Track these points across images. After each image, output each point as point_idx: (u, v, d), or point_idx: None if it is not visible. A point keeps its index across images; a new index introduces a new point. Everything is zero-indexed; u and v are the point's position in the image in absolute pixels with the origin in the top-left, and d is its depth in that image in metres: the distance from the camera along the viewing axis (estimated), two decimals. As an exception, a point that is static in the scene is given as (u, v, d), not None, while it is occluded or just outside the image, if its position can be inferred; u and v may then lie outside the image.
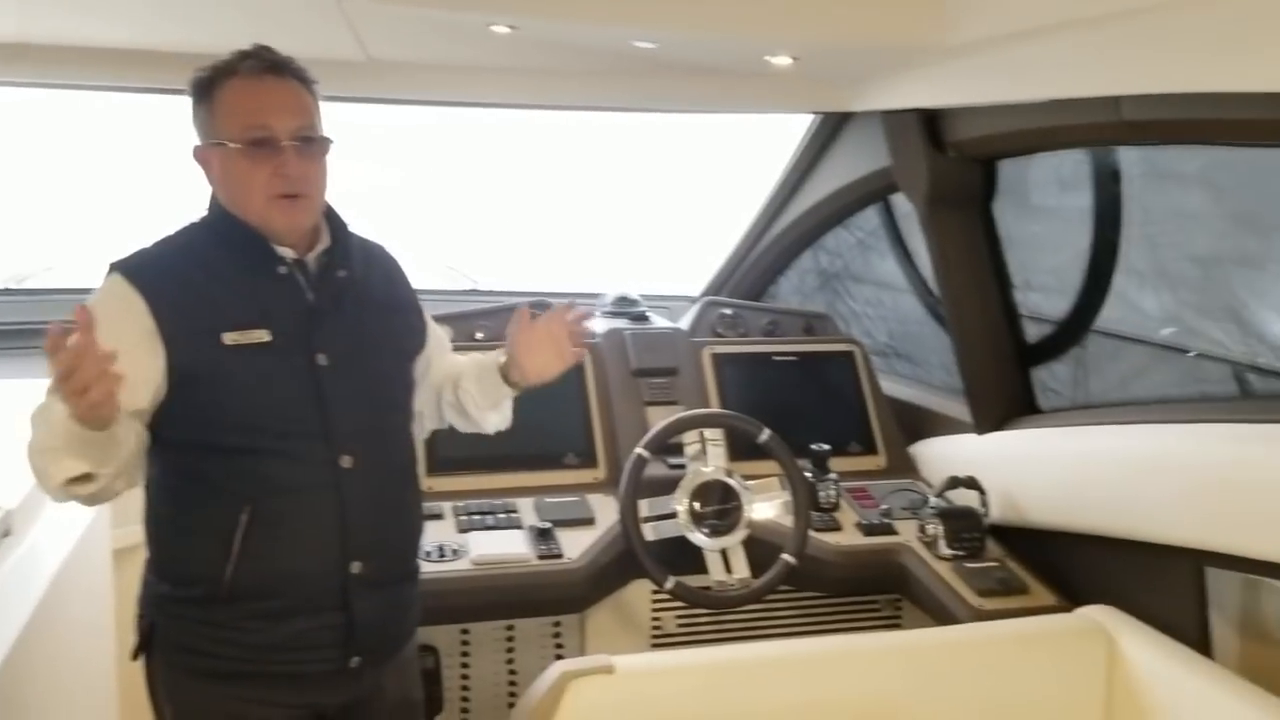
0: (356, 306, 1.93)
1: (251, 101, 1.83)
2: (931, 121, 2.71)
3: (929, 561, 2.67)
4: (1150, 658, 2.14)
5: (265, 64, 1.84)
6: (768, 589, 2.59)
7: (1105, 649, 2.20)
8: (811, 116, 3.25)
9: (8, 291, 3.98)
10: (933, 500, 2.78)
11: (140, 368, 1.76)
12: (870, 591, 2.85)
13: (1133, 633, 2.21)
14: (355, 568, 1.86)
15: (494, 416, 2.16)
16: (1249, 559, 2.06)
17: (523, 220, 5.30)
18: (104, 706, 2.72)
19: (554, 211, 5.32)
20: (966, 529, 2.69)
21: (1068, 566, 2.59)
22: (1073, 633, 2.27)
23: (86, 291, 3.81)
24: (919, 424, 3.26)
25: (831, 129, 3.25)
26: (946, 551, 2.68)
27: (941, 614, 2.56)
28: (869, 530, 2.79)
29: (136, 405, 1.77)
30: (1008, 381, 2.87)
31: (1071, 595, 2.52)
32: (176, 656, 1.89)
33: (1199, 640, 2.23)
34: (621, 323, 3.24)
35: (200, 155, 1.88)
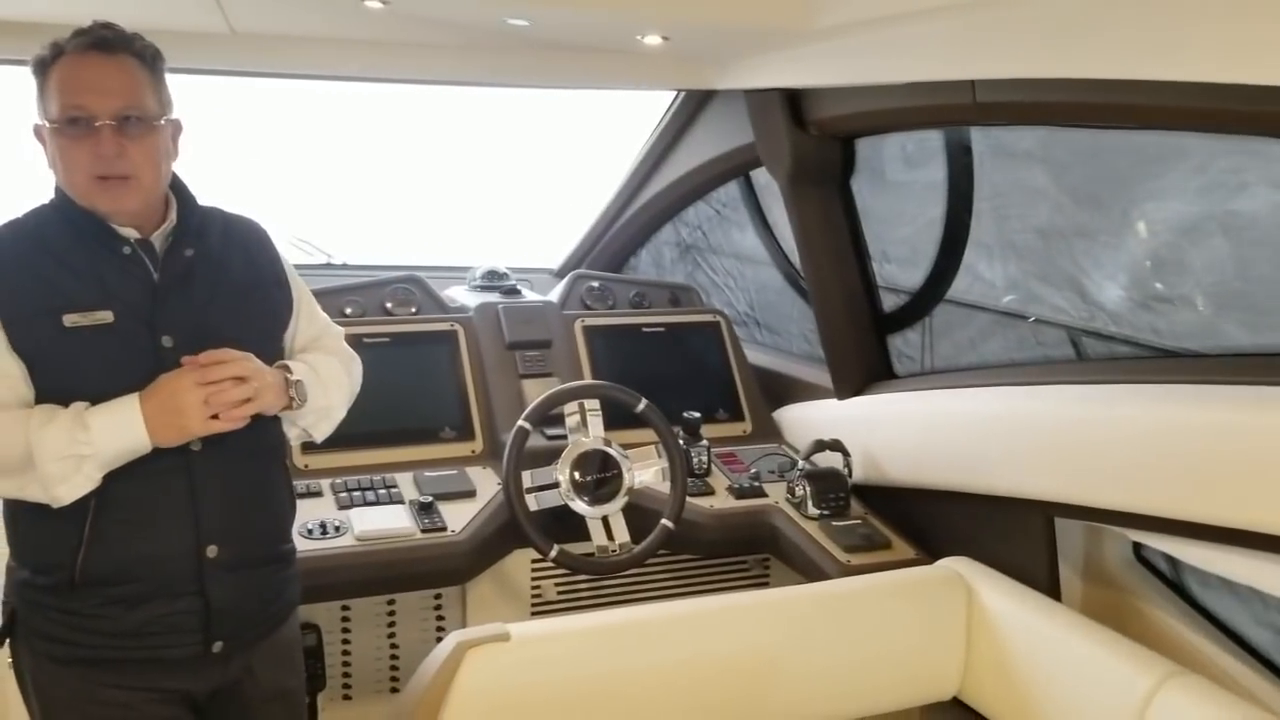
0: (208, 286, 1.89)
1: (72, 81, 1.78)
2: (794, 100, 2.82)
3: (798, 521, 2.81)
4: (1006, 603, 2.32)
5: (92, 40, 1.79)
6: (648, 553, 2.67)
7: (964, 597, 2.37)
8: (674, 93, 3.32)
9: None
10: (800, 463, 2.91)
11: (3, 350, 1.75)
12: (742, 552, 2.97)
13: (989, 581, 2.39)
14: (211, 551, 1.84)
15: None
16: (1094, 508, 2.26)
17: (381, 195, 5.21)
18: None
19: (410, 185, 5.25)
20: (832, 489, 2.84)
21: (926, 522, 2.77)
22: (934, 583, 2.43)
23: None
24: (781, 390, 3.40)
25: (695, 106, 3.33)
26: (814, 511, 2.82)
27: (811, 571, 2.69)
28: (740, 493, 2.91)
29: (14, 391, 1.76)
30: (866, 349, 3.02)
31: (930, 549, 2.69)
32: (38, 643, 1.85)
33: (1049, 586, 2.43)
34: (493, 296, 3.25)
35: (37, 134, 1.84)
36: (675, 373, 3.27)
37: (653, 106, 3.48)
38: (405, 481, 2.76)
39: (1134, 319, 2.39)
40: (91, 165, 1.77)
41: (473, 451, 2.91)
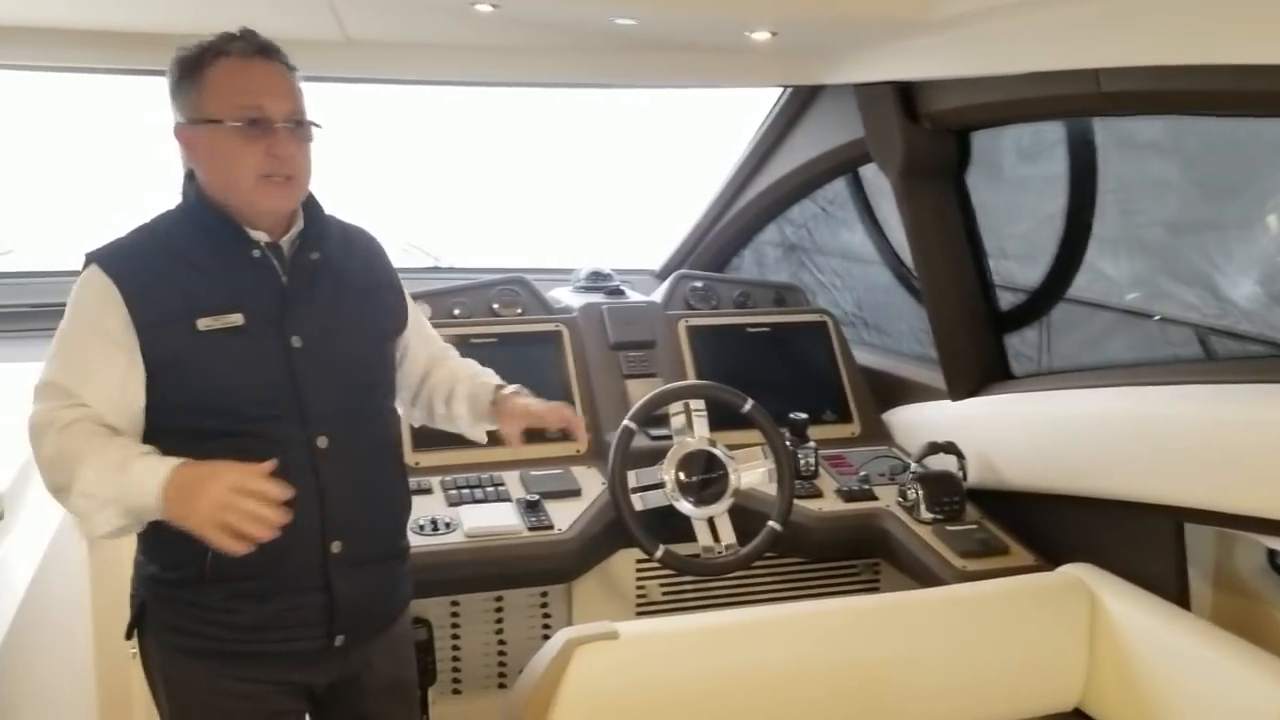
0: (332, 289, 1.93)
1: (246, 82, 1.82)
2: (906, 93, 2.76)
3: (910, 525, 2.74)
4: (1131, 611, 2.22)
5: (256, 47, 1.84)
6: (755, 555, 2.64)
7: (1088, 605, 2.28)
8: (780, 89, 3.28)
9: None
10: (912, 466, 2.84)
11: (120, 359, 1.78)
12: (851, 556, 2.92)
13: (1113, 588, 2.29)
14: (335, 547, 1.87)
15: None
16: (1226, 514, 2.15)
17: (487, 198, 5.27)
18: (85, 683, 2.70)
19: (516, 188, 5.30)
20: (946, 493, 2.76)
21: (1046, 527, 2.67)
22: (1055, 590, 2.34)
23: (46, 275, 3.75)
24: (890, 392, 3.33)
25: (801, 101, 3.28)
26: (927, 515, 2.75)
27: (924, 576, 2.63)
28: (849, 496, 2.85)
29: (130, 398, 1.79)
30: (982, 349, 2.94)
31: (1050, 555, 2.60)
32: (166, 636, 1.90)
33: (1178, 594, 2.32)
34: (597, 297, 3.26)
35: (184, 134, 1.86)
36: (781, 374, 3.23)
37: (757, 103, 3.45)
38: (512, 480, 2.77)
39: (1270, 316, 2.28)
40: (260, 164, 1.81)
41: (578, 451, 2.91)
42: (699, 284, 3.41)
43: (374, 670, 2.01)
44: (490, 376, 2.20)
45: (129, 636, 1.96)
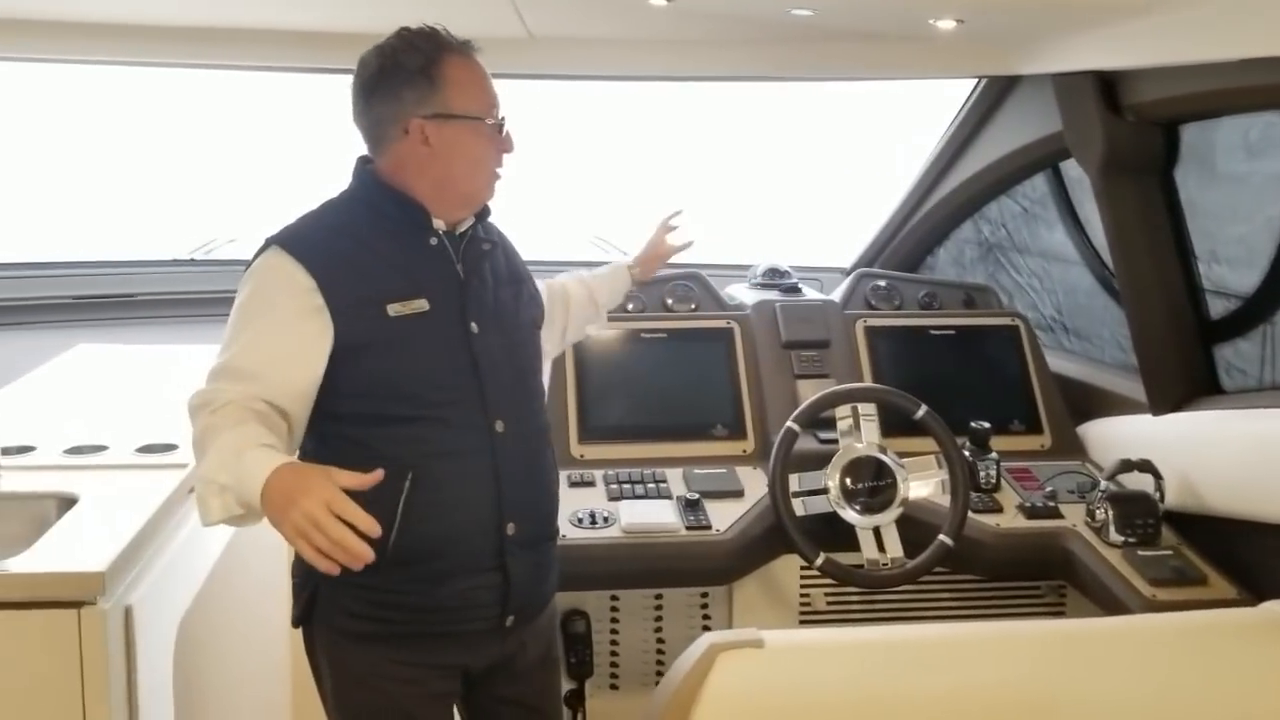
0: (494, 276, 1.99)
1: (484, 82, 1.92)
2: (1108, 83, 2.56)
3: (1097, 548, 2.54)
4: (1344, 659, 1.98)
5: (468, 45, 1.92)
6: (922, 570, 2.51)
7: (1293, 647, 2.05)
8: (975, 81, 3.12)
9: (193, 262, 4.22)
10: (1103, 483, 2.64)
11: (309, 341, 1.82)
12: (1032, 577, 2.74)
13: (1324, 631, 2.05)
14: (510, 529, 1.91)
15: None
16: None
17: (672, 193, 5.28)
18: (277, 663, 2.86)
19: (704, 183, 5.28)
20: (1139, 514, 2.55)
21: (1252, 558, 2.42)
22: (1256, 628, 2.11)
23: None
24: (1088, 403, 3.10)
25: (997, 93, 3.11)
26: (1117, 538, 2.55)
27: (1109, 603, 2.43)
28: (1032, 513, 2.68)
29: (313, 382, 1.83)
30: (1188, 359, 2.69)
31: (1254, 589, 2.36)
32: (338, 620, 1.93)
33: (1404, 642, 2.05)
34: (772, 294, 3.19)
35: (427, 128, 1.87)
36: (965, 379, 3.07)
37: (954, 95, 3.29)
38: (675, 477, 2.75)
39: None
40: (496, 162, 1.94)
41: (744, 451, 2.86)
42: (882, 283, 3.28)
43: (526, 650, 2.05)
44: (606, 267, 2.53)
45: (296, 625, 2.01)
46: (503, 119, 1.93)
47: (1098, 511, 2.60)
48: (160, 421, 2.71)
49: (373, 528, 1.59)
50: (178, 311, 4.01)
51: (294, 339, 1.82)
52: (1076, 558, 2.56)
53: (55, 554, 1.99)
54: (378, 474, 1.67)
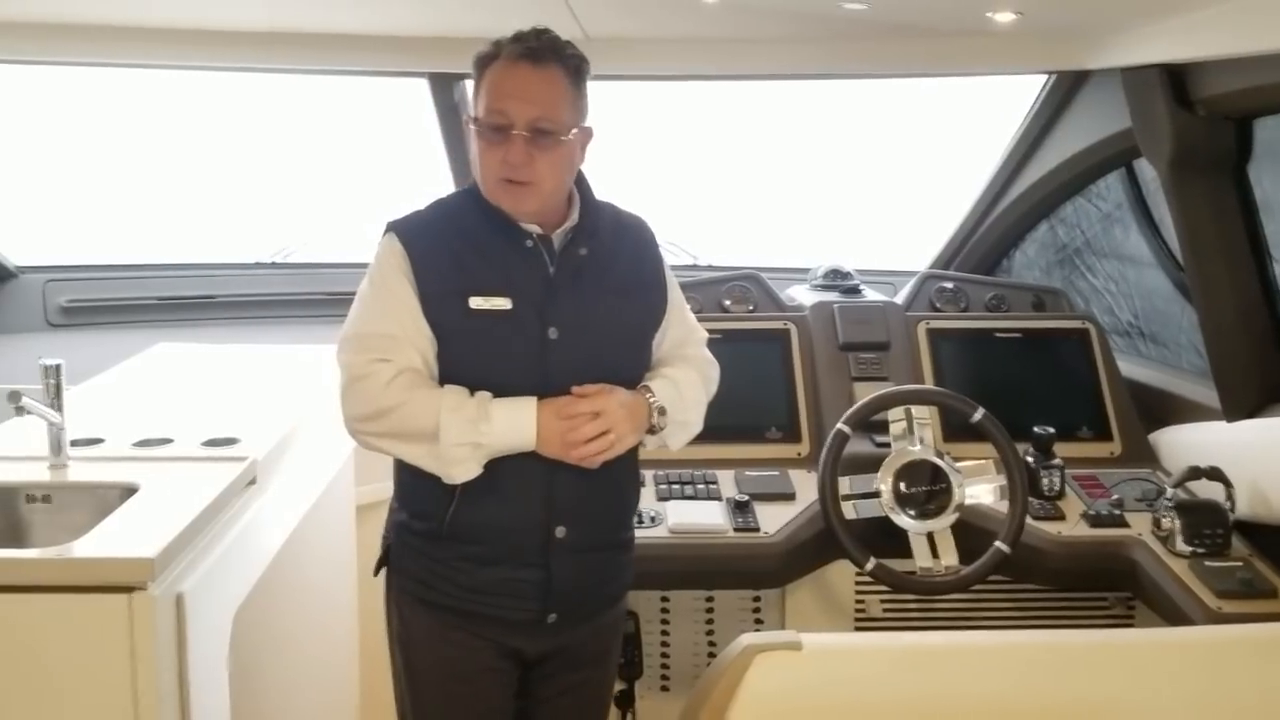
0: (595, 282, 1.97)
1: (500, 86, 1.89)
2: (1177, 77, 2.47)
3: (1163, 558, 2.45)
4: None
5: (524, 50, 1.89)
6: (977, 578, 2.45)
7: (1365, 665, 1.95)
8: (1044, 77, 3.04)
9: (273, 265, 4.34)
10: (1170, 491, 2.54)
11: (419, 315, 1.91)
12: (1096, 587, 2.65)
13: (1399, 649, 1.94)
14: (559, 532, 1.93)
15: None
16: None
17: (746, 195, 5.25)
18: (344, 645, 2.92)
19: (779, 186, 5.24)
20: (1208, 524, 2.45)
21: (1326, 571, 2.32)
22: (1326, 644, 2.01)
23: (338, 266, 4.10)
24: (1164, 410, 3.00)
25: (1067, 89, 3.03)
26: (1184, 548, 2.45)
27: (1174, 615, 2.34)
28: (1096, 521, 2.59)
29: (430, 351, 1.92)
30: (1262, 363, 2.58)
31: (1329, 603, 2.25)
32: (406, 582, 2.04)
33: None
34: (831, 296, 3.15)
35: (466, 129, 1.98)
36: (1032, 384, 2.99)
37: (1027, 91, 3.21)
38: (726, 479, 2.73)
39: None
40: (500, 168, 1.88)
41: (798, 454, 2.82)
42: (948, 285, 3.21)
43: (584, 645, 2.07)
44: (663, 381, 2.05)
45: (375, 573, 2.12)
46: (504, 124, 1.86)
47: (1164, 520, 2.51)
48: (227, 417, 2.79)
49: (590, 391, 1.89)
50: (255, 313, 4.13)
51: (407, 311, 1.91)
52: (1141, 568, 2.47)
53: (108, 540, 2.05)
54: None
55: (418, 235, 1.95)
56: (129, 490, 2.32)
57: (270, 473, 2.60)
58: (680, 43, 2.86)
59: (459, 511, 1.92)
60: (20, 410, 2.32)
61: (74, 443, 2.54)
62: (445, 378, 1.93)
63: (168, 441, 2.64)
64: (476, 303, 1.89)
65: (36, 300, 4.19)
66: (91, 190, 4.58)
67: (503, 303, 1.90)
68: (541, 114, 1.86)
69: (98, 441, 2.63)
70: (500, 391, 1.91)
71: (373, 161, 4.27)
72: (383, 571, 2.11)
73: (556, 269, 1.94)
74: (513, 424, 1.86)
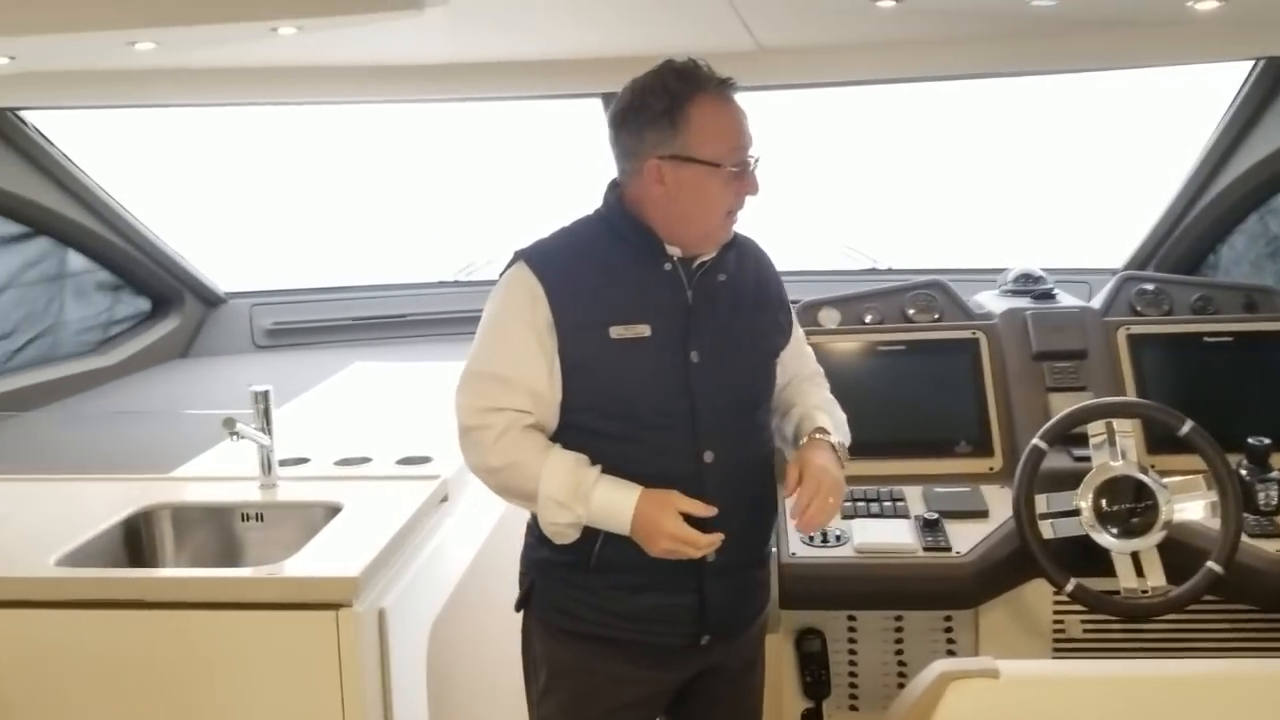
0: (729, 307, 1.97)
1: (731, 125, 1.90)
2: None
3: (1401, 581, 2.25)
4: None
5: (721, 84, 1.91)
6: (1187, 600, 2.30)
7: None
8: (1251, 63, 2.84)
9: (456, 283, 4.51)
10: (1406, 508, 2.33)
11: (544, 354, 1.90)
12: (1323, 611, 2.45)
13: None
14: (710, 556, 1.91)
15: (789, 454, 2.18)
16: None
17: (922, 196, 5.12)
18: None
19: (956, 185, 5.09)
20: None
21: None
22: None
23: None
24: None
25: (1275, 75, 2.81)
26: None
27: None
28: (1322, 539, 2.40)
29: (554, 387, 1.91)
30: None
31: None
32: (550, 614, 2.03)
33: None
34: (1023, 302, 3.02)
35: (664, 169, 1.88)
36: (1244, 392, 2.78)
37: (1227, 80, 3.01)
38: (914, 495, 2.65)
39: None
40: (733, 203, 1.92)
41: (990, 469, 2.72)
42: (1149, 287, 3.02)
43: (733, 660, 2.07)
44: (825, 417, 2.08)
45: (518, 609, 2.13)
46: (749, 160, 1.90)
47: (1402, 540, 2.30)
48: (418, 435, 2.91)
49: (712, 543, 1.86)
50: (443, 330, 4.30)
51: (533, 350, 1.90)
52: (1376, 591, 2.27)
53: (317, 560, 2.17)
54: (711, 509, 1.86)
55: (550, 264, 1.93)
56: (333, 509, 2.45)
57: (459, 489, 2.70)
58: (856, 48, 2.81)
59: (608, 543, 1.92)
60: (235, 435, 2.48)
61: (282, 462, 2.70)
62: (586, 408, 1.92)
63: (366, 460, 2.78)
64: (617, 332, 1.88)
65: (244, 324, 4.48)
66: (291, 220, 4.87)
67: (642, 329, 1.89)
68: (753, 145, 1.92)
69: (304, 461, 2.79)
70: (649, 420, 1.90)
71: (548, 178, 4.38)
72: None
73: (694, 292, 1.93)
74: (609, 511, 1.87)
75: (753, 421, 2.03)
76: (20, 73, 2.83)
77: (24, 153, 3.46)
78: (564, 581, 2.00)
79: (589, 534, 1.93)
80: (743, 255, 2.05)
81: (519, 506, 1.99)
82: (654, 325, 1.90)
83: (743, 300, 2.00)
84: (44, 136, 3.47)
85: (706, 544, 1.86)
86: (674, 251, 1.94)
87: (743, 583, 2.03)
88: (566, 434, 1.95)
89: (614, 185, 2.01)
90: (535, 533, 2.04)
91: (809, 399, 2.13)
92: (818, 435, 2.02)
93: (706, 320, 1.94)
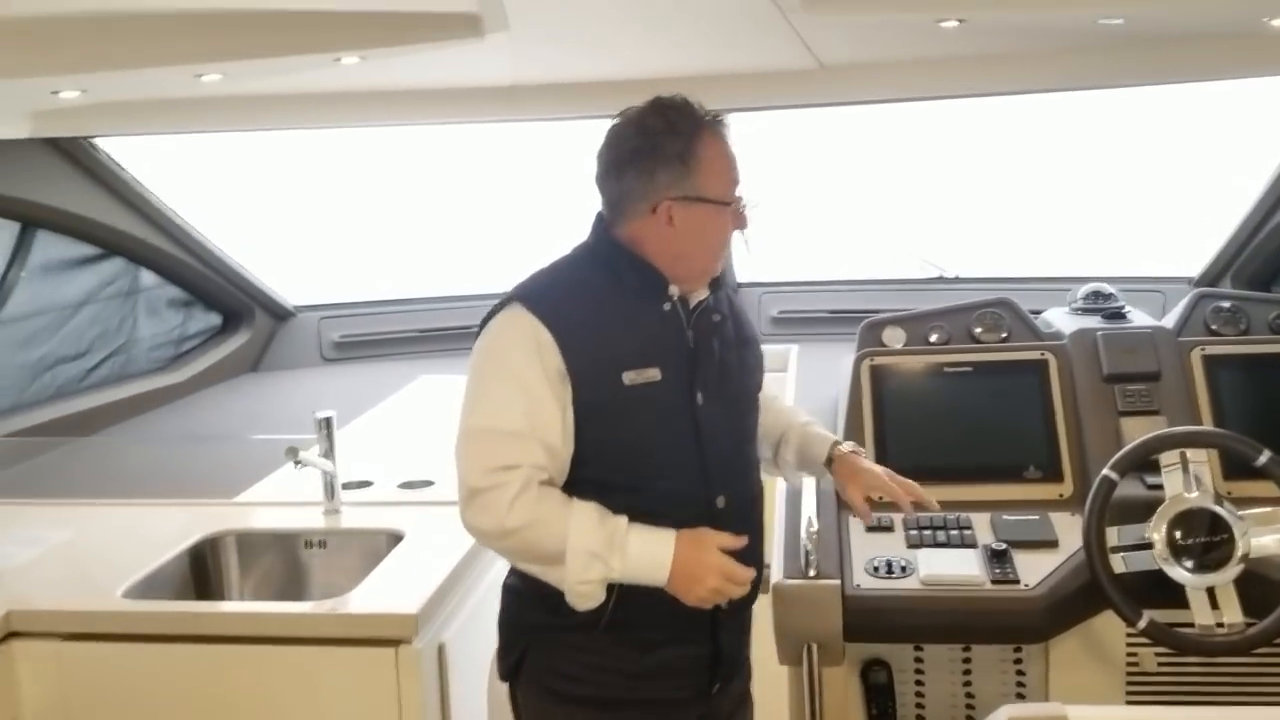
0: (722, 343, 1.95)
1: (733, 162, 1.90)
2: None
3: None
4: None
5: (716, 121, 1.89)
6: (1266, 638, 2.22)
7: None
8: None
9: (464, 297, 4.53)
10: None
11: (557, 404, 1.79)
12: None
13: None
14: (725, 603, 1.87)
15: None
16: None
17: (989, 205, 5.02)
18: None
19: (1020, 195, 4.98)
20: None
21: None
22: None
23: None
24: None
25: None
26: None
27: None
28: None
29: (567, 440, 1.82)
30: None
31: None
32: (547, 679, 1.92)
33: None
34: (1093, 320, 2.93)
35: (674, 209, 1.84)
36: (1327, 416, 2.68)
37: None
38: (981, 523, 2.59)
39: None
40: (729, 240, 1.93)
41: (1060, 495, 2.65)
42: (1225, 304, 2.92)
43: (725, 704, 2.05)
44: (819, 427, 2.14)
45: (504, 679, 2.00)
46: (741, 198, 1.90)
47: None
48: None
49: (749, 576, 1.85)
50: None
51: (544, 399, 1.79)
52: None
53: (377, 593, 2.19)
54: (742, 540, 1.84)
55: (553, 307, 1.81)
56: (396, 537, 2.47)
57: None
58: (919, 64, 2.75)
59: (622, 600, 1.82)
60: (299, 464, 2.51)
61: (346, 485, 2.73)
62: (594, 460, 1.83)
63: (429, 484, 2.80)
64: (629, 377, 1.80)
65: (312, 336, 4.55)
66: (357, 234, 4.93)
67: (653, 374, 1.82)
68: None
69: (367, 484, 2.82)
70: (661, 468, 1.86)
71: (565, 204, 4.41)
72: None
73: (694, 331, 1.89)
74: (646, 562, 1.78)
75: (750, 458, 2.02)
76: (92, 104, 2.89)
77: (97, 178, 3.54)
78: (566, 645, 1.88)
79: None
80: (723, 292, 2.02)
81: (531, 572, 1.84)
82: (663, 368, 1.84)
83: (733, 338, 1.98)
84: (115, 162, 3.55)
85: (746, 578, 1.83)
86: (674, 291, 1.88)
87: (746, 621, 2.04)
88: (569, 489, 1.84)
89: (601, 219, 1.93)
90: (527, 596, 1.91)
91: (794, 418, 2.19)
92: (841, 448, 2.12)
93: (707, 360, 1.90)
